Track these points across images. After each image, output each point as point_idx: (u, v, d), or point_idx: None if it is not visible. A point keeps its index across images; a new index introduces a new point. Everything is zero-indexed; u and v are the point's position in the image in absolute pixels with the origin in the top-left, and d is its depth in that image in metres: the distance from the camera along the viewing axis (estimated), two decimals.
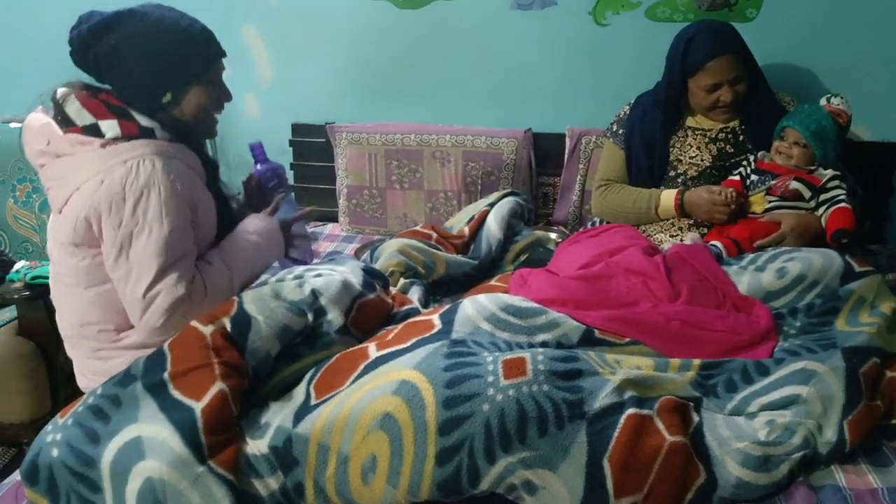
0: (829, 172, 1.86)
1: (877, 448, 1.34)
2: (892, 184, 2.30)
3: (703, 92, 1.97)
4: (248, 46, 2.62)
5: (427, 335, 1.35)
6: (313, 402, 1.23)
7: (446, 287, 1.93)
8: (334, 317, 1.40)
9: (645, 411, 1.26)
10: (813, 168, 1.88)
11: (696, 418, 1.32)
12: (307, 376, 1.31)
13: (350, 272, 1.53)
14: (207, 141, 1.71)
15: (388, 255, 1.88)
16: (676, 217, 2.02)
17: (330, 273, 1.47)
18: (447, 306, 1.49)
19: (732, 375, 1.43)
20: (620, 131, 2.16)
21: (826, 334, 1.54)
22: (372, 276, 1.63)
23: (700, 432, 1.29)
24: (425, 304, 1.80)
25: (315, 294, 1.39)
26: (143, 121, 1.44)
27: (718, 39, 1.93)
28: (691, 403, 1.36)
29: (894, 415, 1.40)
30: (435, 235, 2.02)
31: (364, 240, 2.47)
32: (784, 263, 1.68)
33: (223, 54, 1.56)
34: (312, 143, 2.62)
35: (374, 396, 1.18)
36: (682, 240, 1.99)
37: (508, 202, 2.15)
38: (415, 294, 1.76)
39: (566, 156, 2.45)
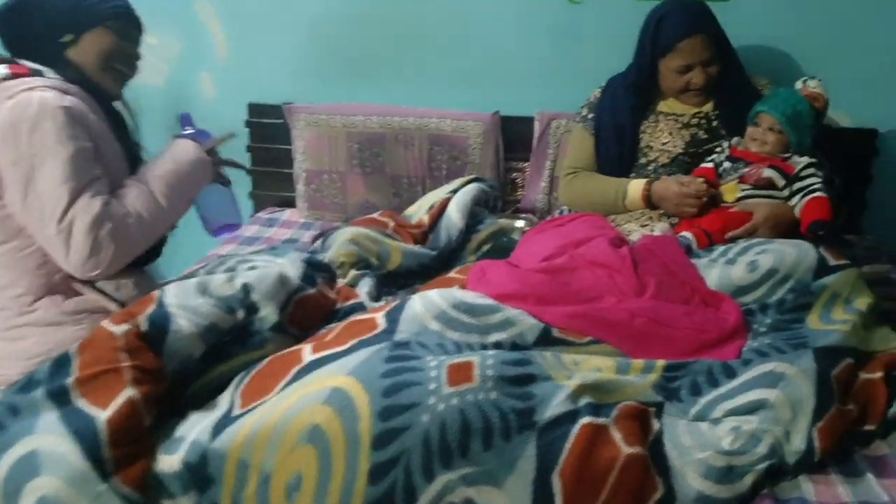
0: (805, 160, 1.77)
1: (848, 457, 1.25)
2: (870, 171, 2.22)
3: (674, 74, 1.87)
4: (202, 21, 2.47)
5: (368, 336, 1.24)
6: (237, 411, 1.12)
7: (402, 279, 1.82)
8: (268, 313, 1.29)
9: (601, 420, 1.16)
10: (787, 155, 1.79)
11: (656, 426, 1.23)
12: (235, 381, 1.20)
13: (289, 264, 1.42)
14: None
15: (339, 244, 1.76)
16: (644, 207, 1.92)
17: (266, 265, 1.36)
18: (394, 303, 1.38)
19: (697, 378, 1.35)
20: (590, 116, 2.06)
21: (797, 332, 1.46)
22: (315, 268, 1.52)
23: (660, 441, 1.20)
24: (377, 297, 1.69)
25: (246, 289, 1.28)
26: (35, 65, 1.40)
27: (690, 18, 1.83)
28: (652, 409, 1.27)
29: (868, 420, 1.32)
30: (392, 224, 1.90)
31: (324, 226, 2.35)
32: (755, 256, 1.59)
33: (132, 13, 1.52)
34: (270, 125, 2.49)
35: (302, 406, 1.07)
36: (651, 230, 1.89)
37: (472, 189, 2.04)
38: (364, 287, 1.65)
39: (535, 141, 2.34)
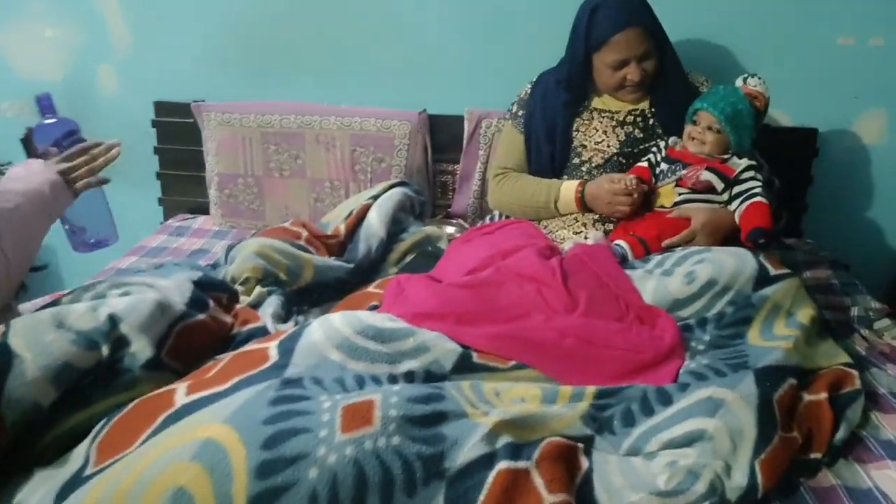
0: (744, 162, 1.67)
1: (793, 490, 1.14)
2: (810, 173, 2.14)
3: (608, 69, 1.75)
4: (102, 12, 2.26)
5: (255, 372, 1.08)
6: (90, 469, 0.94)
7: (316, 295, 1.65)
8: (140, 348, 1.11)
9: (521, 464, 1.02)
10: (727, 157, 1.69)
11: (585, 464, 1.10)
12: (93, 431, 1.02)
13: (173, 286, 1.24)
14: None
15: (243, 258, 1.59)
16: (579, 211, 1.80)
17: (142, 290, 1.18)
18: (291, 329, 1.21)
19: (631, 405, 1.22)
20: (520, 113, 1.93)
21: (737, 349, 1.36)
22: (209, 289, 1.34)
23: (589, 483, 1.07)
24: (285, 318, 1.52)
25: (113, 320, 1.10)
26: None
27: (625, 10, 1.71)
28: (580, 445, 1.13)
29: (813, 447, 1.21)
30: (305, 234, 1.74)
31: (239, 235, 2.17)
32: (693, 267, 1.48)
33: None
34: (179, 125, 2.29)
35: (166, 463, 0.90)
36: (585, 238, 1.76)
37: (395, 194, 1.89)
38: (269, 307, 1.48)
39: (465, 141, 2.20)
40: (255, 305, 1.52)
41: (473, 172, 2.20)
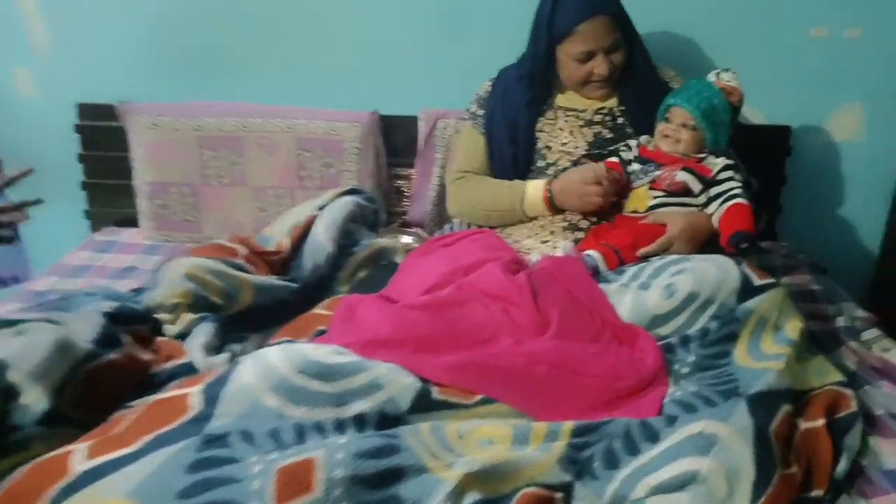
0: (721, 161, 1.55)
1: None
2: (784, 172, 2.04)
3: (574, 62, 1.61)
4: (16, 7, 2.04)
5: (171, 427, 0.90)
6: None
7: (257, 320, 1.47)
8: (33, 399, 0.93)
9: None
10: (703, 156, 1.56)
11: None
12: None
13: (79, 322, 1.06)
14: None
15: (170, 281, 1.40)
16: (548, 213, 1.66)
17: (40, 328, 0.99)
18: (218, 370, 1.04)
19: (613, 443, 1.08)
20: (480, 112, 1.77)
21: (724, 372, 1.23)
22: (127, 321, 1.16)
23: None
24: (219, 348, 1.34)
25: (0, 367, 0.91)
26: None
27: None
28: (559, 495, 0.98)
29: (814, 483, 1.08)
30: (243, 251, 1.55)
31: (173, 250, 1.97)
32: (672, 278, 1.35)
33: None
34: (105, 129, 2.08)
35: None
36: (553, 248, 1.62)
37: (344, 203, 1.72)
38: (199, 337, 1.30)
39: (420, 143, 2.04)
40: (184, 335, 1.34)
41: (430, 177, 2.04)
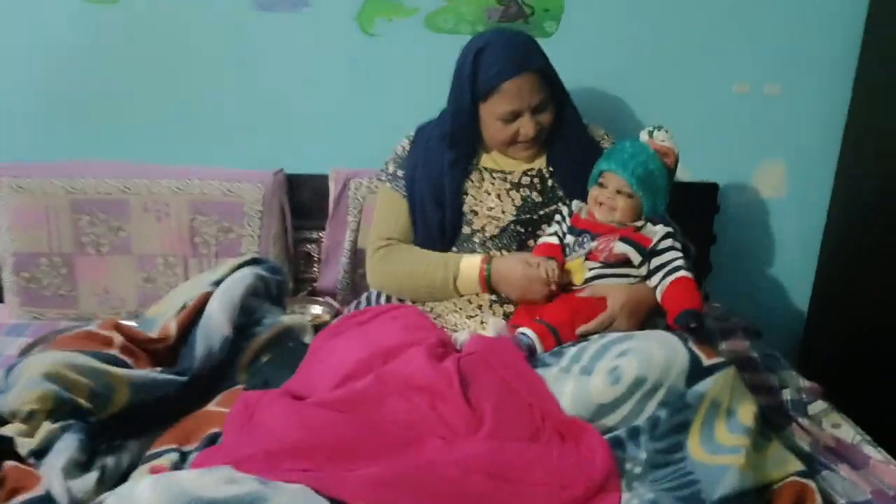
0: (660, 229, 1.43)
1: None
2: (712, 230, 1.97)
3: (498, 122, 1.48)
4: None
5: None
6: None
7: (136, 424, 1.23)
8: None
9: None
10: (640, 224, 1.45)
11: None
12: None
13: None
14: None
15: (24, 384, 1.15)
16: (483, 292, 1.50)
17: None
18: None
19: None
20: (400, 173, 1.61)
21: (680, 470, 1.11)
22: None
23: None
24: (87, 465, 1.10)
25: None
26: None
27: (516, 53, 1.45)
28: None
29: None
30: (119, 339, 1.32)
31: (45, 328, 1.70)
32: (616, 361, 1.21)
33: None
34: None
35: None
36: (482, 324, 1.46)
37: (244, 276, 1.51)
38: (60, 456, 1.06)
39: (331, 205, 1.86)
40: (43, 452, 1.09)
41: (342, 241, 1.86)
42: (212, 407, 1.28)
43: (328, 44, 1.82)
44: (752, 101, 1.92)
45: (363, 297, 1.68)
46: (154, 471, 1.06)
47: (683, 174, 1.93)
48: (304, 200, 1.89)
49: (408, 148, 1.62)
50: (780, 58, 1.89)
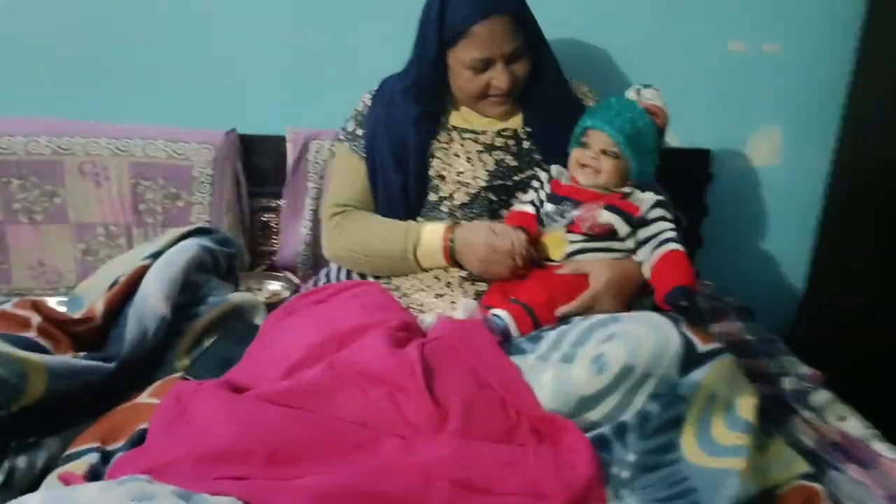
0: (650, 197, 1.28)
1: None
2: (704, 201, 1.83)
3: (467, 71, 1.32)
4: None
5: None
6: None
7: (55, 418, 1.08)
8: None
9: None
10: (628, 191, 1.30)
11: None
12: None
13: None
14: None
15: None
16: (446, 264, 1.34)
17: None
18: None
19: None
20: (360, 132, 1.45)
21: (674, 474, 0.99)
22: None
23: None
24: None
25: None
26: None
27: None
28: None
29: None
30: (37, 320, 1.16)
31: None
32: (601, 347, 1.07)
33: None
34: None
35: None
36: (452, 304, 1.31)
37: (186, 248, 1.35)
38: None
39: (288, 169, 1.69)
40: None
41: (301, 210, 1.71)
42: (143, 398, 1.12)
43: None
44: (749, 60, 1.77)
45: (322, 273, 1.53)
46: (63, 479, 0.92)
47: (672, 140, 1.79)
48: (260, 164, 1.74)
49: (369, 103, 1.45)
50: (780, 13, 1.73)
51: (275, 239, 1.77)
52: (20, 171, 1.59)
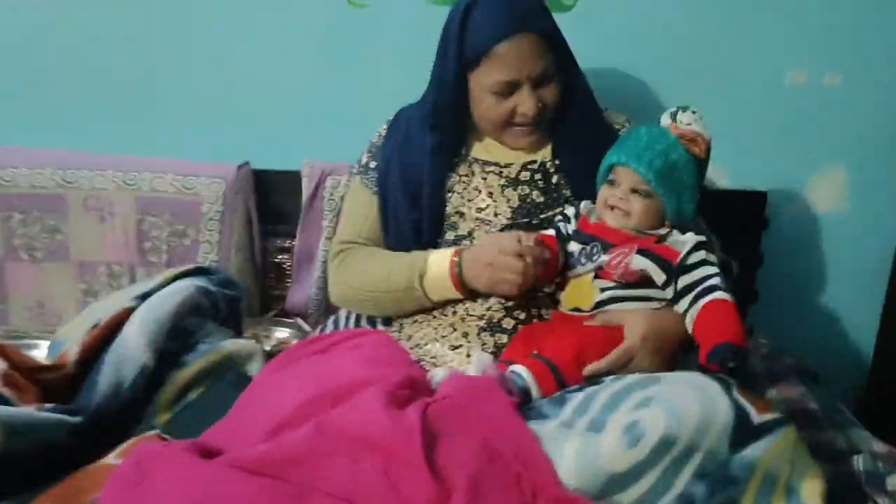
0: (690, 238, 1.13)
1: None
2: (759, 249, 1.65)
3: (491, 96, 1.20)
4: None
5: None
6: None
7: (12, 481, 0.96)
8: None
9: None
10: (664, 232, 1.14)
11: None
12: None
13: None
14: None
15: None
16: (456, 293, 1.20)
17: None
18: None
19: None
20: (373, 165, 1.34)
21: None
22: None
23: None
24: None
25: None
26: None
27: (513, 9, 1.17)
28: None
29: None
30: (1, 367, 1.04)
31: None
32: (636, 414, 0.92)
33: None
34: None
35: None
36: (467, 355, 1.16)
37: (178, 290, 1.23)
38: None
39: (303, 205, 1.60)
40: None
41: (316, 251, 1.59)
42: (110, 459, 1.00)
43: (304, 14, 1.57)
44: (808, 93, 1.61)
45: (330, 320, 1.41)
46: None
47: (723, 180, 1.64)
48: (275, 201, 1.64)
49: (385, 134, 1.34)
50: (840, 41, 1.58)
51: (288, 282, 1.66)
52: (22, 205, 1.53)
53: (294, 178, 1.60)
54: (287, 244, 1.65)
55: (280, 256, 1.67)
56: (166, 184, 1.54)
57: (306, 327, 1.56)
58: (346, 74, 1.60)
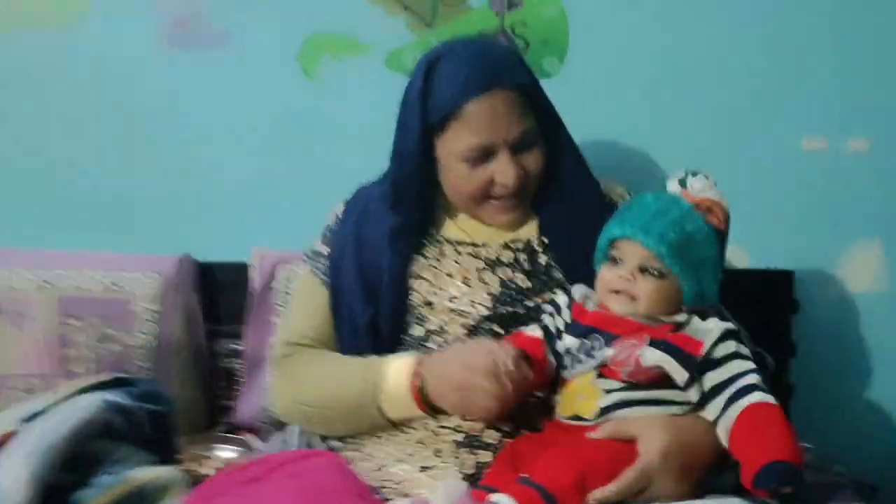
0: (716, 326, 0.92)
1: None
2: (791, 338, 1.44)
3: (462, 164, 1.03)
4: None
5: None
6: None
7: None
8: None
9: None
10: (682, 319, 0.93)
11: None
12: None
13: None
14: None
15: None
16: (417, 408, 0.98)
17: None
18: None
19: None
20: (325, 250, 1.16)
21: None
22: None
23: None
24: None
25: None
26: None
27: (485, 62, 1.03)
28: None
29: None
30: None
31: None
32: None
33: None
34: None
35: None
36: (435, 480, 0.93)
37: (83, 408, 1.03)
38: None
39: (252, 301, 1.41)
40: None
41: (264, 354, 1.38)
42: None
43: (255, 89, 1.46)
44: (831, 161, 1.45)
45: (276, 436, 1.17)
46: None
47: (742, 259, 1.45)
48: (220, 297, 1.46)
49: (341, 216, 1.16)
50: (864, 102, 1.44)
51: (235, 390, 1.44)
52: None
53: (242, 270, 1.44)
54: (238, 346, 1.45)
55: (229, 361, 1.46)
56: (93, 281, 1.38)
57: (257, 444, 1.33)
58: (300, 152, 1.47)
